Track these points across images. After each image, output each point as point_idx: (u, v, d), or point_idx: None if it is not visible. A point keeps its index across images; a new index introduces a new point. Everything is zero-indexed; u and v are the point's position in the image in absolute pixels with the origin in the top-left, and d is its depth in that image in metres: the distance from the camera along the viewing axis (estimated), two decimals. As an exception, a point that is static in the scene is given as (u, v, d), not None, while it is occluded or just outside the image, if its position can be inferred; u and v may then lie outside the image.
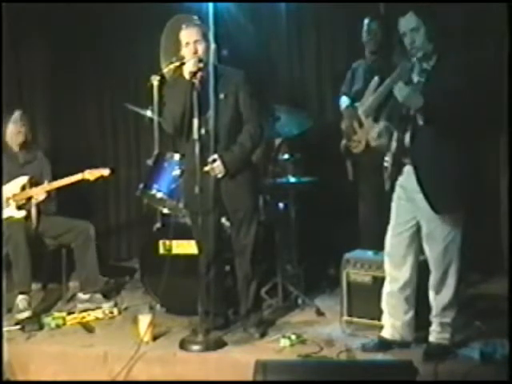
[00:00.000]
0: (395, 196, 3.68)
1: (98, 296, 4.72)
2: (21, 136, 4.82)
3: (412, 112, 3.45)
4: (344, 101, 4.90)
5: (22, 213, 4.68)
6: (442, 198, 3.47)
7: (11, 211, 4.66)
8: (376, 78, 4.57)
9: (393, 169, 3.59)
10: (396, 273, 3.70)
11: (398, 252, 3.67)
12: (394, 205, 3.70)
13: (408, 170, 3.55)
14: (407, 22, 3.47)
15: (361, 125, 4.71)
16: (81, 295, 4.74)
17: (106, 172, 4.67)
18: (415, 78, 3.49)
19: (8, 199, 4.67)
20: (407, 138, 3.49)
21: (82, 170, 4.69)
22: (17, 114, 4.80)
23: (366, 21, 4.84)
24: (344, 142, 4.85)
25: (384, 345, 3.71)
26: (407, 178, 3.56)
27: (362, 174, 4.81)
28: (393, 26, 4.19)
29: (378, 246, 3.86)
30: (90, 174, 4.64)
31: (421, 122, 3.41)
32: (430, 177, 3.46)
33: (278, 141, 4.88)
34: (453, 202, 3.49)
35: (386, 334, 3.74)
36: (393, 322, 3.73)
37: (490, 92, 3.85)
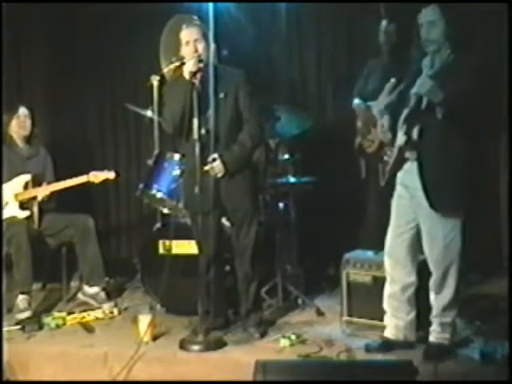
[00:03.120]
0: (396, 195, 3.68)
1: (102, 294, 4.72)
2: (25, 130, 4.85)
3: (424, 106, 3.42)
4: (357, 102, 4.87)
5: (26, 213, 4.68)
6: (443, 197, 3.47)
7: (14, 211, 4.66)
8: (393, 80, 4.55)
9: (394, 163, 3.58)
10: (397, 274, 3.69)
11: (399, 253, 3.67)
12: (394, 204, 3.70)
13: (409, 167, 3.55)
14: (427, 14, 3.47)
15: (375, 125, 4.69)
16: (86, 288, 4.74)
17: (111, 175, 4.66)
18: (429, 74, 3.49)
19: (10, 199, 4.67)
20: (415, 132, 3.47)
21: (82, 171, 4.69)
22: (22, 109, 4.83)
23: (384, 22, 4.82)
24: (358, 139, 4.84)
25: (387, 345, 3.70)
26: (409, 175, 3.55)
27: (374, 174, 4.79)
28: (409, 28, 4.17)
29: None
30: (95, 177, 4.63)
31: (439, 116, 3.38)
32: (433, 174, 3.46)
33: (274, 141, 4.86)
34: (453, 201, 3.49)
35: (389, 334, 3.74)
36: (396, 322, 3.73)
37: (490, 92, 3.85)
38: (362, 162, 4.86)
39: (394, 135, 3.58)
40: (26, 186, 4.73)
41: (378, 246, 4.01)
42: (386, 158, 3.64)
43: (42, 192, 4.69)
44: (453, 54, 3.44)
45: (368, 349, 3.71)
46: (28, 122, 4.85)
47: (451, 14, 3.44)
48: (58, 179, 4.83)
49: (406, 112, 3.51)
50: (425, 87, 3.38)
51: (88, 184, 4.66)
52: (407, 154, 3.54)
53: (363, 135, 4.77)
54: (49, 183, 4.78)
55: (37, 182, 4.77)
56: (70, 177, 4.69)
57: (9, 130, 4.83)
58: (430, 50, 3.48)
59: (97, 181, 4.64)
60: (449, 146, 3.44)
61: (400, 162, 3.58)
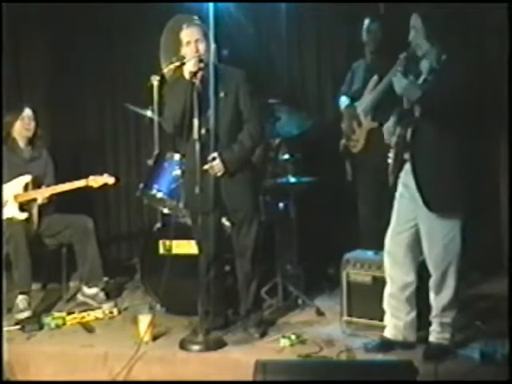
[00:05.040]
0: (398, 194, 3.69)
1: (102, 295, 4.72)
2: (29, 132, 4.83)
3: (407, 107, 3.47)
4: (343, 101, 4.91)
5: (25, 214, 4.65)
6: (439, 197, 3.47)
7: (13, 212, 4.65)
8: (375, 77, 4.59)
9: (395, 164, 3.59)
10: (396, 273, 3.70)
11: (398, 252, 3.67)
12: (396, 203, 3.70)
13: (409, 166, 3.56)
14: (412, 19, 3.51)
15: (359, 124, 4.72)
16: (86, 289, 4.74)
17: (110, 180, 4.63)
18: (423, 75, 3.51)
19: (10, 199, 4.66)
20: (408, 133, 3.50)
21: (82, 171, 4.69)
22: (27, 111, 4.80)
23: (367, 21, 4.84)
24: (343, 141, 4.86)
25: (386, 345, 3.70)
26: (408, 175, 3.56)
27: (361, 174, 4.82)
28: (393, 26, 4.19)
29: (378, 246, 3.86)
30: (94, 181, 4.60)
31: (417, 114, 3.43)
32: (427, 174, 3.47)
33: (276, 141, 4.88)
34: (449, 201, 3.49)
35: (389, 334, 3.74)
36: (395, 322, 3.72)
37: (490, 92, 3.85)
38: (348, 164, 4.87)
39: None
40: (25, 188, 4.71)
41: (369, 246, 4.03)
42: (389, 160, 3.65)
43: (41, 194, 4.66)
44: (440, 57, 3.47)
45: (366, 348, 3.71)
46: (32, 124, 4.83)
47: (433, 19, 3.47)
48: (57, 179, 4.83)
49: (398, 113, 3.55)
50: (399, 86, 3.44)
51: (87, 188, 4.63)
52: (406, 155, 3.56)
53: (348, 136, 4.79)
54: (48, 186, 4.76)
55: (37, 184, 4.75)
56: (70, 177, 4.69)
57: (12, 131, 4.81)
58: (419, 54, 3.52)
59: (96, 185, 4.61)
60: (438, 145, 3.46)
61: (399, 162, 3.60)
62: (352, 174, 4.89)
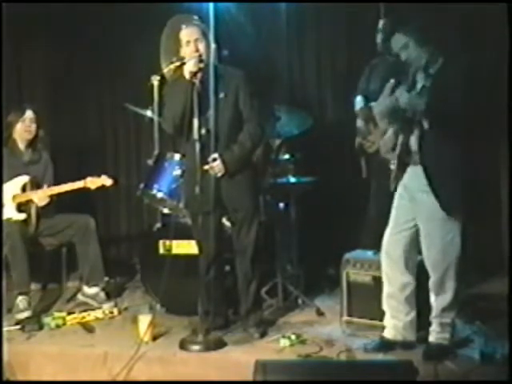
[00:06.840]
0: (397, 195, 3.69)
1: (102, 294, 4.72)
2: (29, 135, 4.80)
3: (417, 116, 3.46)
4: (358, 101, 4.87)
5: (22, 215, 4.65)
6: (450, 199, 3.47)
7: (11, 213, 4.64)
8: (392, 81, 4.56)
9: (398, 171, 3.60)
10: (394, 273, 3.70)
11: (395, 251, 3.67)
12: (394, 204, 3.71)
13: (411, 169, 3.57)
14: (396, 43, 3.55)
15: (376, 125, 4.69)
16: (86, 289, 4.73)
17: (108, 182, 4.61)
18: (419, 84, 3.51)
19: (8, 200, 4.65)
20: (413, 140, 3.51)
21: (81, 171, 4.68)
22: (28, 113, 4.77)
23: (382, 22, 4.81)
24: (359, 140, 4.84)
25: (386, 345, 3.70)
26: (410, 177, 3.58)
27: (374, 173, 4.80)
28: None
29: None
30: (92, 183, 4.58)
31: (426, 126, 3.44)
32: (438, 178, 3.47)
33: (277, 141, 4.87)
34: (458, 202, 3.49)
35: (388, 334, 3.74)
36: (394, 322, 3.73)
37: (490, 92, 3.85)
38: (363, 161, 4.86)
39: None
40: (23, 188, 4.70)
41: (378, 246, 4.02)
42: (391, 166, 3.65)
43: (39, 195, 4.64)
44: (441, 60, 3.47)
45: (366, 348, 3.71)
46: (33, 126, 4.79)
47: (415, 29, 3.50)
48: (57, 179, 4.81)
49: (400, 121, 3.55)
50: (403, 100, 3.47)
51: (85, 189, 4.62)
52: (407, 159, 3.56)
53: (364, 136, 4.77)
54: (47, 187, 4.75)
55: (35, 186, 4.74)
56: (70, 177, 4.68)
57: (13, 132, 4.79)
58: (418, 67, 3.52)
59: (93, 186, 4.59)
60: (439, 147, 3.46)
61: (402, 168, 3.61)
62: (367, 171, 4.87)
